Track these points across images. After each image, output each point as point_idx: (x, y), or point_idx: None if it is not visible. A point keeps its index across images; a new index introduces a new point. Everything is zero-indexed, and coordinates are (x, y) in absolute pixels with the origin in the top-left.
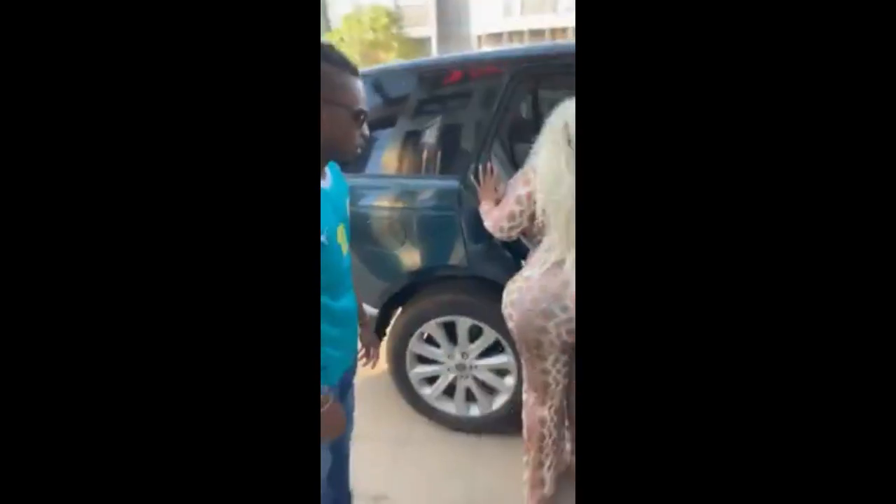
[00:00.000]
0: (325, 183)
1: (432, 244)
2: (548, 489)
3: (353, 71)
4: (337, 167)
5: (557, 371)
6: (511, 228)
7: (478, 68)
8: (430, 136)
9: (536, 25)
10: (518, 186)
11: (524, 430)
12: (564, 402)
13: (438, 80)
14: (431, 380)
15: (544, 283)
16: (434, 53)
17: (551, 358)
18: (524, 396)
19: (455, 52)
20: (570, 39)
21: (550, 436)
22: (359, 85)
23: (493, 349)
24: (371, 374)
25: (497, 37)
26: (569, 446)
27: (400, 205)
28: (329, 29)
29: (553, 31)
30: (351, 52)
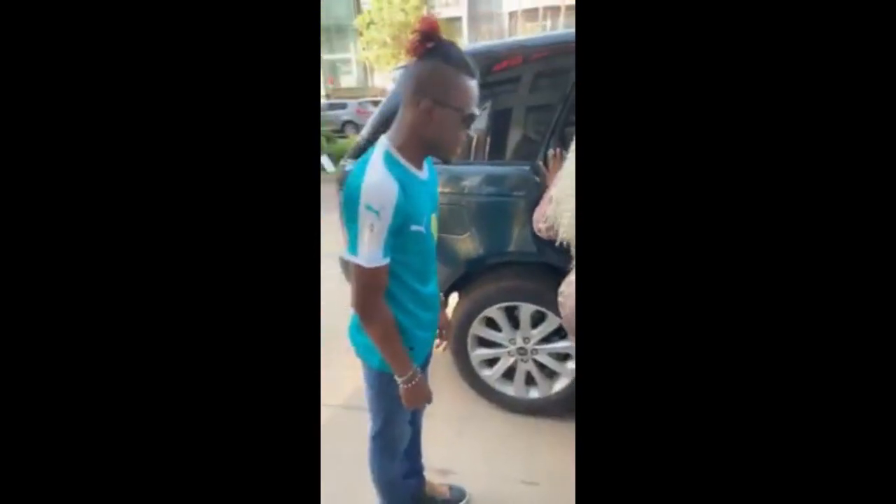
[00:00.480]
0: (423, 174)
1: (500, 230)
2: None
3: (471, 73)
4: (430, 158)
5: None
6: (548, 229)
7: (540, 52)
8: (479, 122)
9: (571, 1)
10: (553, 186)
11: None
12: None
13: (489, 67)
14: (492, 362)
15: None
16: (465, 33)
17: None
18: None
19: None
20: None
21: None
22: (473, 87)
23: (555, 334)
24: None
25: (532, 13)
26: None
27: (467, 191)
28: (360, 11)
29: None
30: (382, 34)
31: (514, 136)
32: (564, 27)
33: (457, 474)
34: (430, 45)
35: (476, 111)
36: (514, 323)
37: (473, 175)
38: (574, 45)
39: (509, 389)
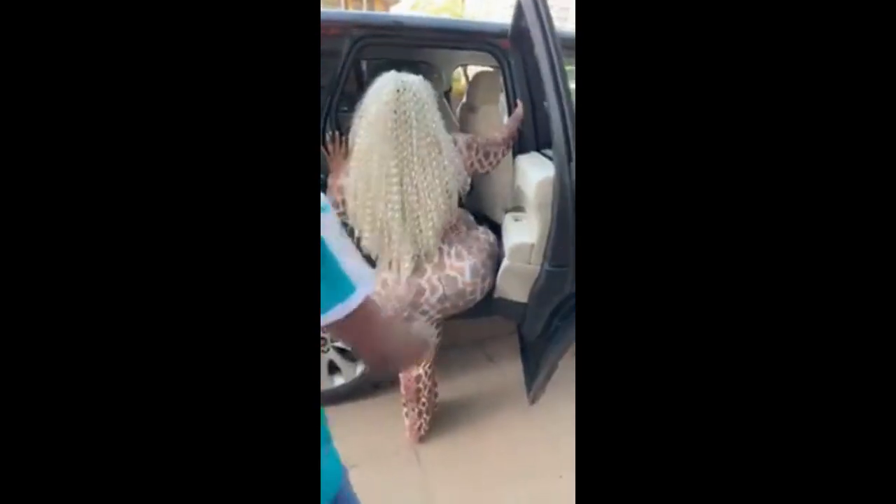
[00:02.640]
0: None
1: None
2: (424, 430)
3: None
4: None
5: (430, 335)
6: (342, 215)
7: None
8: None
9: None
10: (339, 173)
11: (402, 388)
12: (432, 358)
13: None
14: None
15: (400, 295)
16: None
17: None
18: None
19: None
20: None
21: (426, 388)
22: None
23: None
24: None
25: None
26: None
27: None
28: None
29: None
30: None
31: None
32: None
33: None
34: None
35: None
36: None
37: None
38: (348, 26)
39: (331, 383)
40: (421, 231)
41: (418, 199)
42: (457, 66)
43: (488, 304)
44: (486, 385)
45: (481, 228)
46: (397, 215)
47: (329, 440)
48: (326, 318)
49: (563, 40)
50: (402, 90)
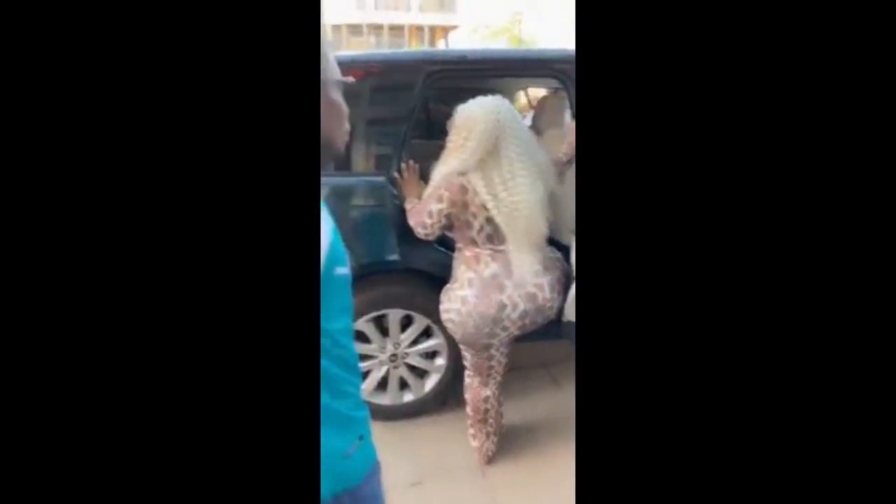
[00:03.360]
0: None
1: (363, 241)
2: (492, 452)
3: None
4: None
5: (501, 355)
6: (432, 226)
7: (377, 68)
8: None
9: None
10: (441, 187)
11: (469, 408)
12: (500, 378)
13: None
14: (363, 375)
15: (482, 311)
16: None
17: (496, 350)
18: (467, 380)
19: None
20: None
21: (493, 408)
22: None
23: (422, 335)
24: None
25: (357, 28)
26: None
27: (331, 203)
28: None
29: (411, 28)
30: None
31: (357, 149)
32: (389, 45)
33: None
34: None
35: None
36: (383, 331)
37: (334, 186)
38: (410, 63)
39: (384, 399)
40: (531, 238)
41: (517, 209)
42: (519, 90)
43: (556, 327)
44: (551, 408)
45: (549, 248)
46: (501, 222)
47: (363, 436)
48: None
49: None
50: (503, 109)
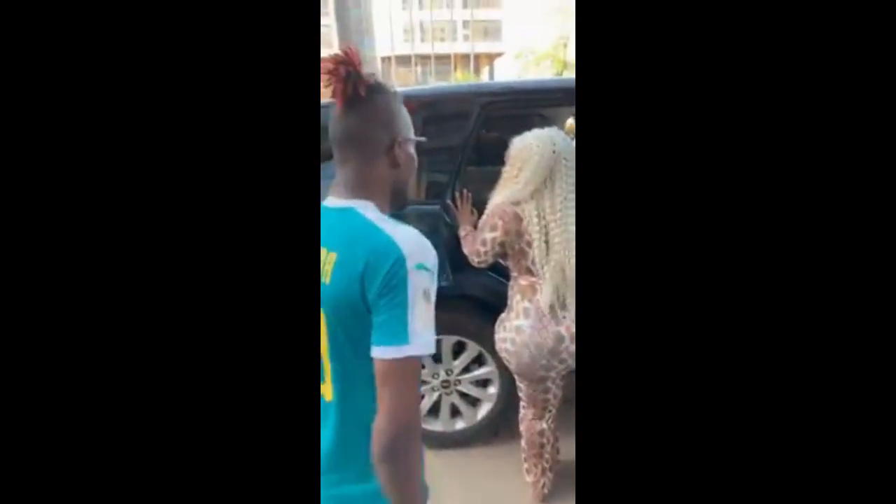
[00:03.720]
0: None
1: None
2: (548, 488)
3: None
4: None
5: (557, 387)
6: (486, 253)
7: (430, 100)
8: None
9: (440, 51)
10: (495, 216)
11: (524, 442)
12: (556, 411)
13: None
14: None
15: (539, 342)
16: None
17: (552, 382)
18: (522, 412)
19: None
20: (510, 71)
21: (549, 443)
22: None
23: (475, 362)
24: None
25: (405, 59)
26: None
27: None
28: None
29: (457, 57)
30: None
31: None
32: (436, 74)
33: None
34: (366, 83)
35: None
36: (436, 357)
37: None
38: (476, 95)
39: (436, 425)
40: (566, 272)
41: (568, 240)
42: (569, 116)
43: None
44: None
45: None
46: (546, 256)
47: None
48: (377, 352)
49: None
50: (558, 141)
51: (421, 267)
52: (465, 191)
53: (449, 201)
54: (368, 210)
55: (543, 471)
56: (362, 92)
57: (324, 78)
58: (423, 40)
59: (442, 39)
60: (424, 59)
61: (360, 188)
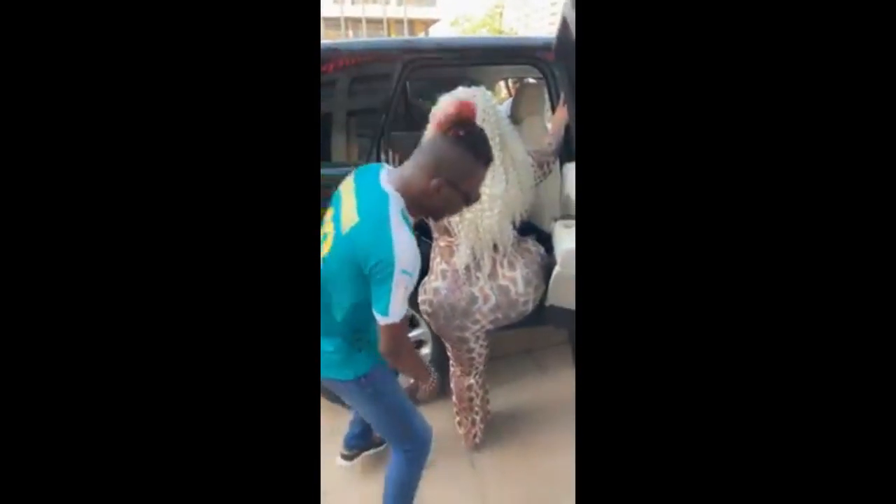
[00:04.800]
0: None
1: None
2: (479, 438)
3: (489, 161)
4: None
5: (481, 347)
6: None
7: (359, 57)
8: None
9: (371, 14)
10: None
11: (454, 397)
12: (483, 367)
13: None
14: None
15: (452, 303)
16: None
17: (475, 342)
18: (451, 369)
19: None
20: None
21: (478, 396)
22: (485, 174)
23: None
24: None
25: (334, 22)
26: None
27: None
28: None
29: (389, 22)
30: None
31: (337, 139)
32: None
33: (330, 494)
34: (462, 132)
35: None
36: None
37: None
38: (387, 53)
39: None
40: (479, 231)
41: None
42: (499, 80)
43: (540, 313)
44: (537, 394)
45: (530, 240)
46: (460, 214)
47: (371, 342)
48: (375, 314)
49: None
50: (482, 100)
51: (405, 272)
52: (391, 152)
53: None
54: (395, 204)
55: (474, 422)
56: (461, 133)
57: (445, 117)
58: (353, 3)
59: (374, 2)
60: (355, 22)
61: (407, 185)
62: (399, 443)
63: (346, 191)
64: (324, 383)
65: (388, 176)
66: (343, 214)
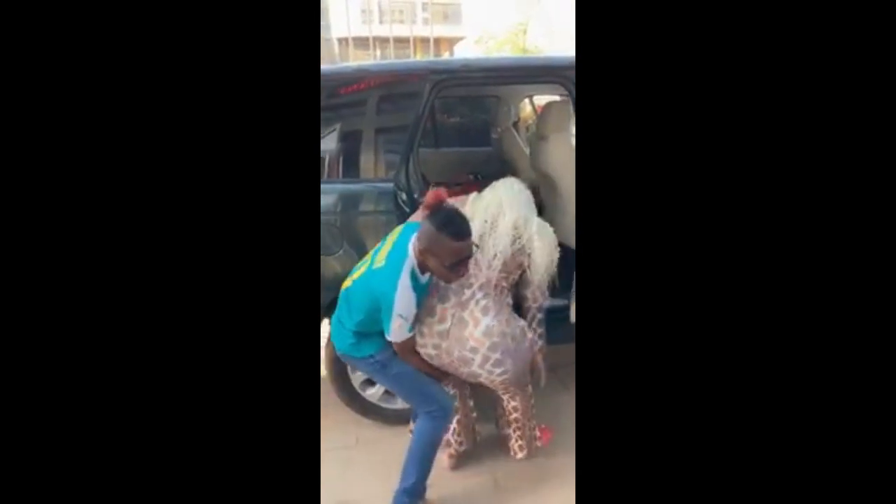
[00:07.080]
0: (424, 279)
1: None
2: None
3: (458, 236)
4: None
5: (489, 372)
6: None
7: (384, 78)
8: (329, 143)
9: (399, 33)
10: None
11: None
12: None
13: (335, 90)
14: (373, 380)
15: (448, 346)
16: None
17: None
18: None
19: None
20: (473, 53)
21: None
22: (458, 246)
23: None
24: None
25: (363, 41)
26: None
27: (339, 208)
28: None
29: (416, 41)
30: None
31: (366, 156)
32: (395, 57)
33: (356, 502)
34: (430, 213)
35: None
36: None
37: (333, 193)
38: (415, 74)
39: (394, 404)
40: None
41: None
42: (524, 98)
43: (566, 330)
44: (559, 411)
45: (522, 322)
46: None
47: (374, 335)
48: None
49: None
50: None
51: (400, 315)
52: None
53: (403, 178)
54: (409, 264)
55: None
56: (434, 210)
57: (424, 203)
58: (381, 22)
59: (401, 21)
60: (383, 41)
61: (415, 250)
62: (420, 406)
63: (392, 237)
64: (345, 358)
65: (415, 238)
66: (380, 254)
